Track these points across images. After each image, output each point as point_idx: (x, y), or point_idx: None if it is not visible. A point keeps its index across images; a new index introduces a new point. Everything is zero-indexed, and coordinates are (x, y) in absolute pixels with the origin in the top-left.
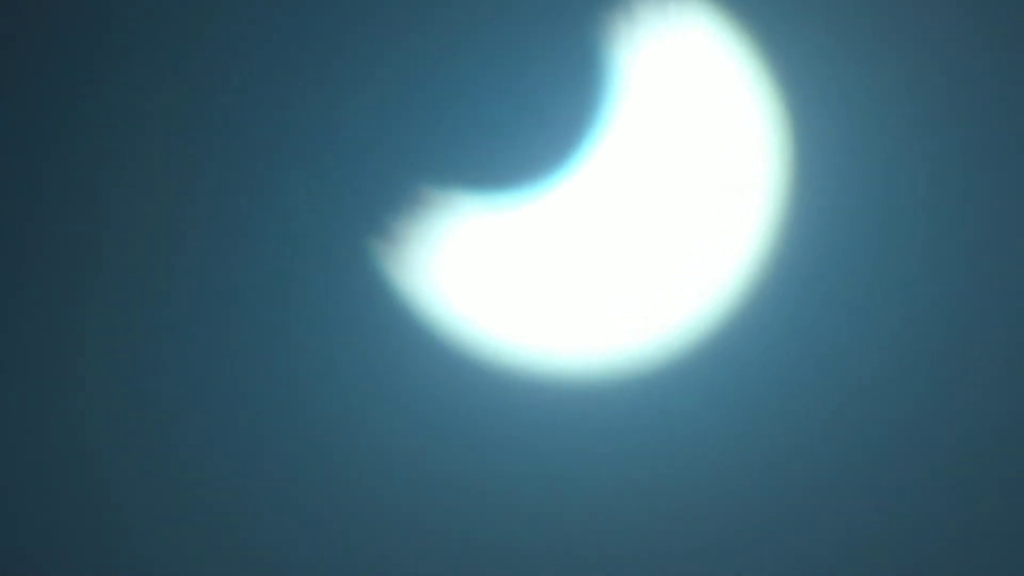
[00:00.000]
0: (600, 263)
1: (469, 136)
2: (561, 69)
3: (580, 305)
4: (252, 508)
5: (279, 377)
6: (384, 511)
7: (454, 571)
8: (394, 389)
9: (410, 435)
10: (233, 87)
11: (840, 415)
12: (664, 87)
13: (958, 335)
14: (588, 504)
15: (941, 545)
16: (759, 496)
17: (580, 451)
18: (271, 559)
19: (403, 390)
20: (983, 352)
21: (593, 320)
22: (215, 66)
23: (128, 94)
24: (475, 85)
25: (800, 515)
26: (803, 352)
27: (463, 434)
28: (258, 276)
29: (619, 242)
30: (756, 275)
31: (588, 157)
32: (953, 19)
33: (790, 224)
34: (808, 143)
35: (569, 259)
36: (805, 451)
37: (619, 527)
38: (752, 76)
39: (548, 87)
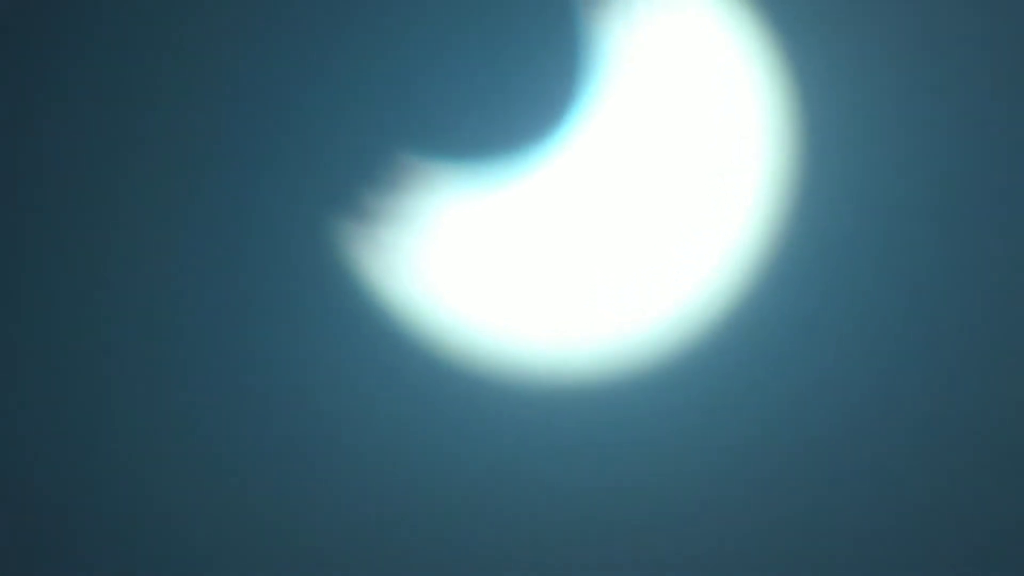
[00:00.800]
0: (590, 251)
1: (450, 104)
2: (549, 34)
3: (568, 298)
4: (206, 499)
5: (236, 370)
6: (342, 509)
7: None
8: (362, 387)
9: (377, 436)
10: (202, 56)
11: (839, 418)
12: (658, 60)
13: (961, 333)
14: (564, 510)
15: (943, 547)
16: (755, 498)
17: (563, 455)
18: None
19: (372, 388)
20: (989, 351)
21: (582, 314)
22: (181, 35)
23: (84, 77)
24: (456, 50)
25: (797, 519)
26: (802, 351)
27: (436, 436)
28: (215, 259)
29: (610, 227)
30: (755, 270)
31: (576, 130)
32: (963, 15)
33: (792, 214)
34: (812, 130)
35: (557, 245)
36: (804, 451)
37: (602, 534)
38: (755, 56)
39: (534, 54)
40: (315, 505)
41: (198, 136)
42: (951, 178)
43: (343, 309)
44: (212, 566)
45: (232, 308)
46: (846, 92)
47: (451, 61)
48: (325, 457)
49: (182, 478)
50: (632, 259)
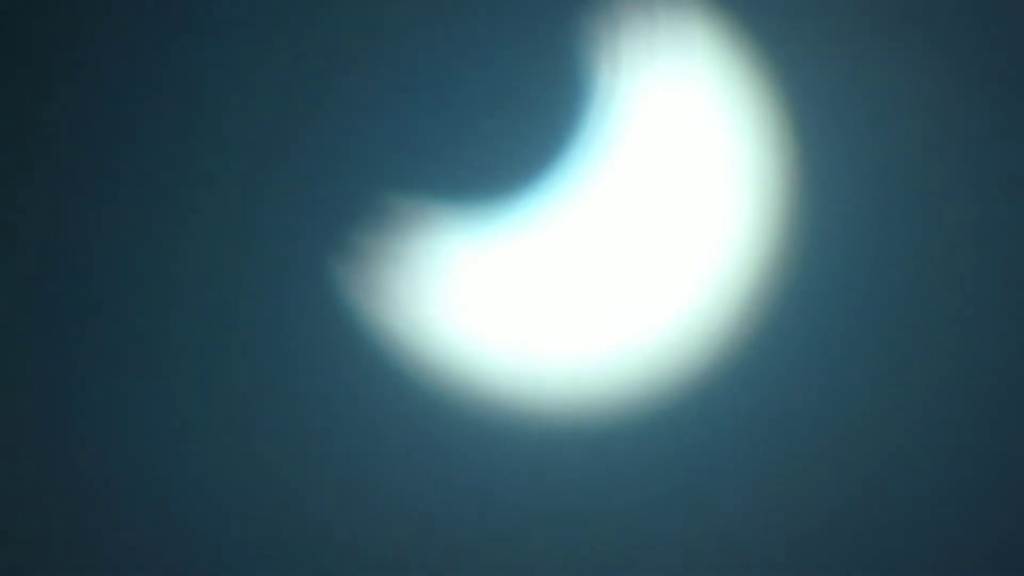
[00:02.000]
0: (589, 284)
1: (443, 143)
2: (544, 71)
3: (565, 333)
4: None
5: (229, 413)
6: (336, 545)
7: None
8: (357, 426)
9: (373, 475)
10: (193, 91)
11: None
12: (653, 91)
13: (963, 339)
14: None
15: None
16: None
17: (554, 493)
18: None
19: (367, 427)
20: (990, 356)
21: (579, 350)
22: (174, 68)
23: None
24: (451, 89)
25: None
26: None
27: (432, 474)
28: (206, 299)
29: (609, 260)
30: (758, 294)
31: (573, 167)
32: (952, 18)
33: (791, 231)
34: (807, 146)
35: (553, 279)
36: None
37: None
38: (747, 77)
39: (529, 91)
40: (311, 542)
41: (192, 177)
42: (947, 179)
43: (340, 350)
44: None
45: (231, 353)
46: (842, 101)
47: (446, 104)
48: (320, 496)
49: (169, 510)
50: (632, 295)
